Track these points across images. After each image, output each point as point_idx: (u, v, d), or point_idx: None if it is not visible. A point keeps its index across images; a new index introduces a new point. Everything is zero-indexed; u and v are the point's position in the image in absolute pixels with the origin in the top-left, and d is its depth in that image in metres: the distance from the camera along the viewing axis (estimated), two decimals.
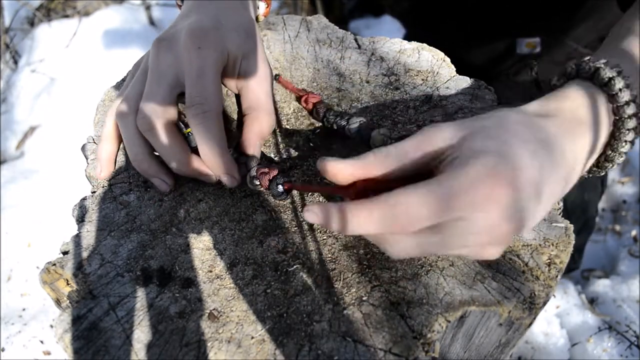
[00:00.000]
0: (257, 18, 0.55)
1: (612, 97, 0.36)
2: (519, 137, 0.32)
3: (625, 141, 0.37)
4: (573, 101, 0.36)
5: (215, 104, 0.41)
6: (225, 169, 0.42)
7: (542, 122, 0.34)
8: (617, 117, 0.37)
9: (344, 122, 0.46)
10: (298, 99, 0.50)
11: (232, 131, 0.48)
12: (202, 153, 0.41)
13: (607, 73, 0.36)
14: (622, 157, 0.39)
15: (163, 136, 0.42)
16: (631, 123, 0.36)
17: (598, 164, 0.40)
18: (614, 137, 0.38)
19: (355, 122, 0.45)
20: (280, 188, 0.40)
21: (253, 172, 0.42)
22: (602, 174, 0.41)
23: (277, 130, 0.48)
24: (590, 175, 0.41)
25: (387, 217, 0.29)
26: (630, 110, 0.36)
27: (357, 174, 0.33)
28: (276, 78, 0.52)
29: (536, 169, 0.31)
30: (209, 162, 0.42)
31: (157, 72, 0.43)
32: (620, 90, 0.36)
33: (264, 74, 0.46)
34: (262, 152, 0.46)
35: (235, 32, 0.45)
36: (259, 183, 0.41)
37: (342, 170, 0.33)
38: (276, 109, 0.50)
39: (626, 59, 0.39)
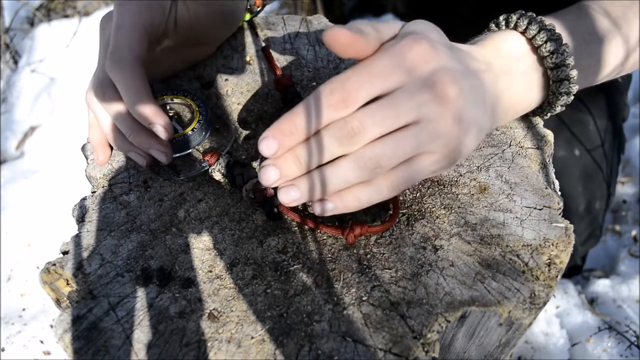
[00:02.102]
0: (251, 9, 0.55)
1: (530, 41, 0.42)
2: (436, 32, 0.39)
3: (559, 93, 0.43)
4: (482, 45, 0.42)
5: (128, 53, 0.41)
6: (149, 116, 0.41)
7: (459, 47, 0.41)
8: (548, 68, 0.42)
9: None
10: (276, 81, 0.49)
11: (226, 133, 0.48)
12: (126, 104, 0.41)
13: (522, 19, 0.42)
14: (556, 107, 0.44)
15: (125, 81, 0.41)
16: (562, 72, 0.41)
17: (541, 107, 0.46)
18: (551, 92, 0.43)
19: None
20: (275, 210, 0.41)
21: (249, 186, 0.42)
22: (544, 116, 0.46)
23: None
24: (540, 115, 0.46)
25: (344, 81, 0.34)
26: (551, 57, 0.41)
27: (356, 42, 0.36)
28: (264, 49, 0.51)
29: (443, 41, 0.38)
30: (133, 111, 0.41)
31: (103, 44, 0.44)
32: (534, 30, 0.41)
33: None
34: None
35: None
36: (253, 197, 0.41)
37: (340, 37, 0.35)
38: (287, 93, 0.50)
39: (559, 16, 0.46)
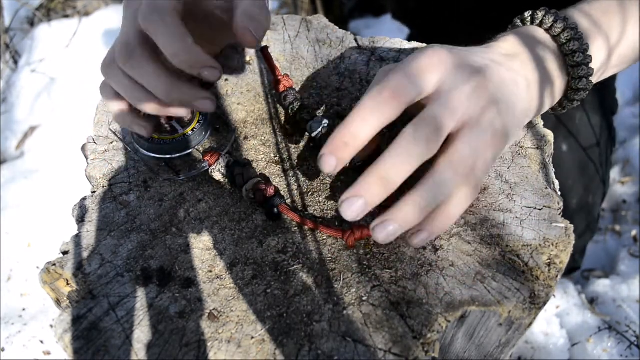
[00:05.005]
0: None
1: (555, 38, 0.43)
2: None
3: (578, 89, 0.44)
4: (505, 40, 0.43)
5: (166, 2, 0.37)
6: (202, 60, 0.38)
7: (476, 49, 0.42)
8: (568, 65, 0.43)
9: (307, 118, 0.45)
10: (275, 82, 0.49)
11: (226, 133, 0.48)
12: (172, 52, 0.37)
13: (541, 16, 0.43)
14: (578, 97, 0.45)
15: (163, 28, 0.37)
16: (582, 71, 0.42)
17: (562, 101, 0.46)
18: (569, 87, 0.44)
19: (318, 123, 0.44)
20: (275, 210, 0.40)
21: (249, 186, 0.42)
22: (562, 110, 0.47)
23: (277, 131, 0.48)
24: (557, 110, 0.47)
25: (376, 98, 0.35)
26: (577, 55, 0.42)
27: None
28: (262, 49, 0.50)
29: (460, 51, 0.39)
30: (181, 57, 0.37)
31: (128, 15, 0.40)
32: (553, 22, 0.43)
33: None
34: (264, 175, 0.45)
35: None
36: (253, 197, 0.41)
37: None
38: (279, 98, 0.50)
39: (574, 12, 0.45)
